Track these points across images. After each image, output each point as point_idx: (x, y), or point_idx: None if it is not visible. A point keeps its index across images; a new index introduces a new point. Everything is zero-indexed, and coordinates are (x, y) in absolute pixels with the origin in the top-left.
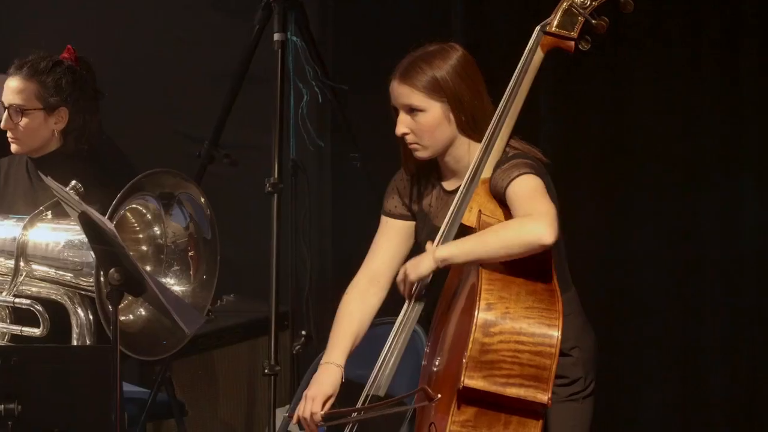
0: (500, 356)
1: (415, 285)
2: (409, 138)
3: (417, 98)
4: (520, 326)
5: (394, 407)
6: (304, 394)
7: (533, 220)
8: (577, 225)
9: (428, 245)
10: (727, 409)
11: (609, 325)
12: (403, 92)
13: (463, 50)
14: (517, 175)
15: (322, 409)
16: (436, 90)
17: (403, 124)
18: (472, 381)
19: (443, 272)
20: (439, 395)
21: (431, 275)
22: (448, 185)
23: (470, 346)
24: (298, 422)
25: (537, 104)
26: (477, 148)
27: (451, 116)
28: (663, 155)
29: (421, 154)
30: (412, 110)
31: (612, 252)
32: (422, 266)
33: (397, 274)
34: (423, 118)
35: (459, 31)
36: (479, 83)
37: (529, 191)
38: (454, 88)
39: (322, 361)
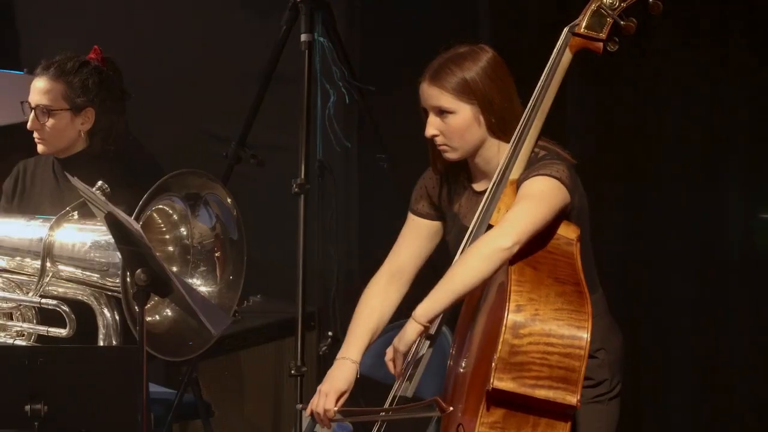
0: (529, 358)
1: (406, 357)
2: (439, 140)
3: (447, 100)
4: (549, 328)
5: (407, 413)
6: (318, 388)
7: (490, 233)
8: (605, 225)
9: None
10: (755, 413)
11: (634, 327)
12: (432, 94)
13: (493, 52)
14: (535, 175)
15: (335, 405)
16: (465, 92)
17: (433, 126)
18: (502, 383)
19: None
20: (451, 408)
21: (419, 337)
22: (478, 186)
23: (500, 347)
24: (312, 415)
25: (564, 104)
26: (506, 150)
27: (481, 118)
28: (691, 155)
29: (451, 155)
30: (441, 112)
31: (639, 252)
32: (406, 334)
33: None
34: (453, 120)
35: (487, 32)
36: (509, 85)
37: (528, 192)
38: (484, 90)
39: (338, 356)
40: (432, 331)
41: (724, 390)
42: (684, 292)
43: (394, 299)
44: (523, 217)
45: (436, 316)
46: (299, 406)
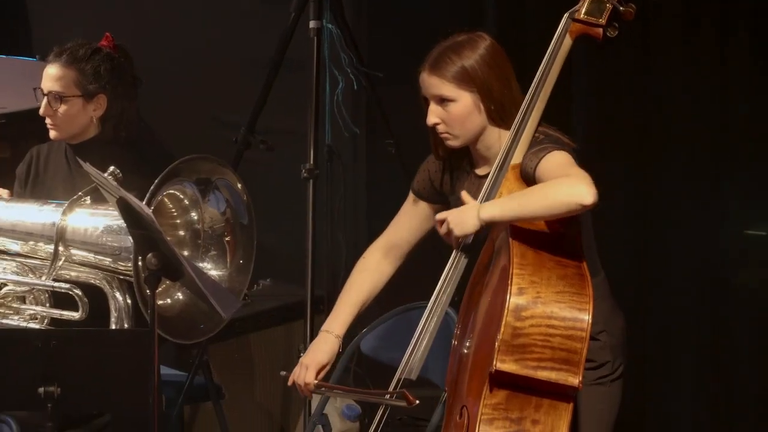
0: (531, 340)
1: (461, 238)
2: (440, 128)
3: (447, 89)
4: (551, 310)
5: (377, 398)
6: (300, 360)
7: (572, 180)
8: (608, 211)
9: (466, 197)
10: (758, 396)
11: (637, 310)
12: (432, 83)
13: (491, 39)
14: (545, 154)
15: (316, 378)
16: (465, 80)
17: (434, 114)
18: (504, 365)
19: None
20: (417, 401)
21: (473, 233)
22: (480, 171)
23: (502, 330)
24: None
25: (569, 91)
26: (507, 136)
27: (481, 105)
28: (694, 141)
29: (453, 143)
30: (442, 100)
31: (642, 237)
32: (467, 225)
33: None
34: (453, 108)
35: (492, 19)
36: (508, 72)
37: (558, 164)
38: (483, 78)
39: (322, 328)
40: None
41: (727, 373)
42: (688, 276)
43: (386, 272)
44: (591, 179)
45: (495, 222)
46: (283, 372)
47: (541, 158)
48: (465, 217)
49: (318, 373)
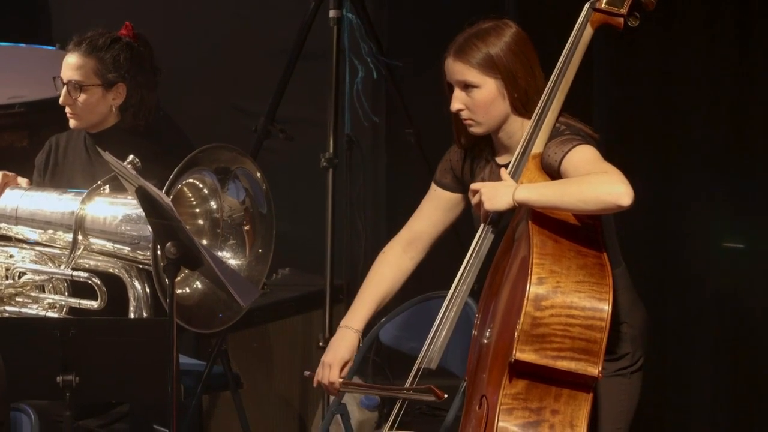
0: (551, 330)
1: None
2: (464, 114)
3: (471, 74)
4: (571, 300)
5: (405, 394)
6: (321, 359)
7: (611, 178)
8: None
9: (504, 174)
10: None
11: (658, 301)
12: (457, 69)
13: (516, 27)
14: (572, 147)
15: (339, 375)
16: (490, 66)
17: (458, 101)
18: (524, 354)
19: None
20: (446, 395)
21: (506, 210)
22: (501, 160)
23: (522, 319)
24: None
25: (590, 80)
26: (528, 125)
27: (505, 93)
28: (715, 130)
29: (476, 129)
30: (466, 86)
31: (663, 228)
32: (499, 201)
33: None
34: (478, 95)
35: (513, 7)
36: (533, 60)
37: (587, 159)
38: (508, 65)
39: (341, 324)
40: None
41: (747, 365)
42: (709, 266)
43: (407, 267)
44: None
45: (528, 204)
46: (307, 373)
47: (566, 152)
48: (499, 193)
49: (341, 370)
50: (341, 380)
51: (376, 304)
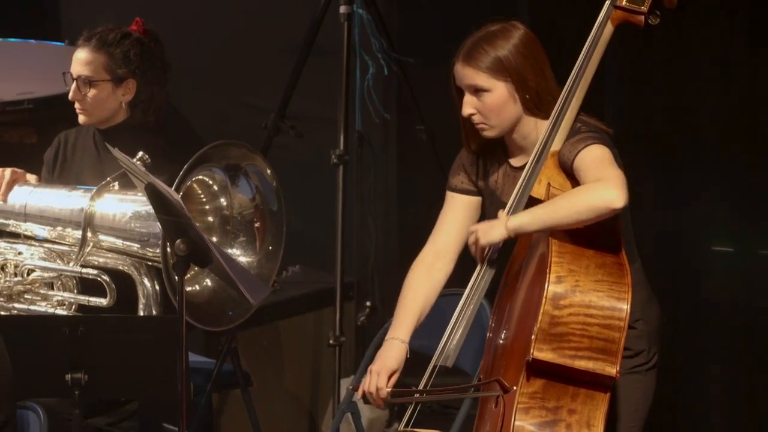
0: (569, 329)
1: (487, 249)
2: (476, 118)
3: (481, 79)
4: (589, 299)
5: (462, 393)
6: (369, 369)
7: (602, 184)
8: (643, 198)
9: (500, 213)
10: None
11: (672, 296)
12: (467, 73)
13: (525, 29)
14: (584, 147)
15: (387, 384)
16: (500, 70)
17: (470, 105)
18: (542, 353)
19: (512, 240)
20: (515, 387)
21: (501, 243)
22: (516, 162)
23: (540, 318)
24: (363, 396)
25: (601, 80)
26: (543, 125)
27: (516, 95)
28: (728, 128)
29: (489, 133)
30: (477, 91)
31: (673, 227)
32: (494, 234)
33: (465, 243)
34: (488, 98)
35: (526, 6)
36: (542, 61)
37: (595, 160)
38: (518, 68)
39: (387, 337)
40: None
41: (760, 366)
42: (721, 263)
43: (438, 279)
44: (623, 180)
45: (523, 232)
46: (350, 387)
47: (580, 150)
48: (493, 227)
49: (389, 379)
50: (389, 389)
51: (417, 315)
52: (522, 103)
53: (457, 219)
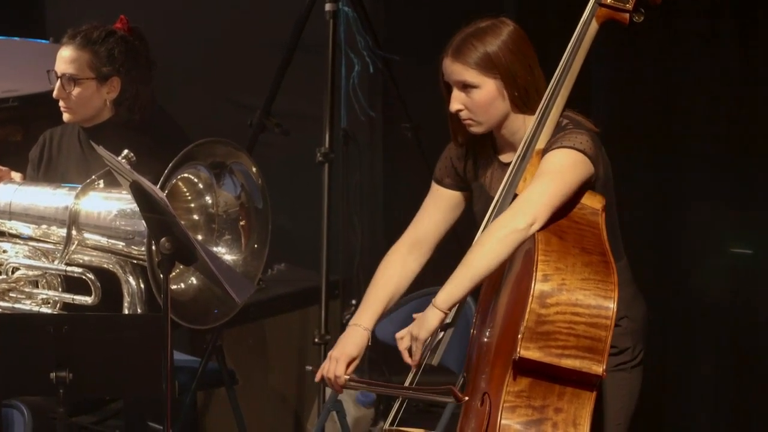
0: (556, 327)
1: (424, 346)
2: (464, 114)
3: (470, 75)
4: (576, 298)
5: (421, 394)
6: (329, 354)
7: (505, 216)
8: (630, 195)
9: (415, 315)
10: None
11: (658, 298)
12: (455, 69)
13: (514, 25)
14: (558, 147)
15: (346, 372)
16: (488, 66)
17: (457, 101)
18: (528, 352)
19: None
20: (467, 398)
21: (439, 327)
22: (505, 158)
23: (526, 317)
24: (322, 380)
25: (589, 75)
26: (531, 121)
27: (505, 92)
28: (716, 125)
29: (476, 129)
30: (465, 87)
31: (664, 222)
32: (428, 322)
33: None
34: (477, 95)
35: (512, 2)
36: (531, 58)
37: (549, 166)
38: (507, 64)
39: (350, 323)
40: (449, 319)
41: (749, 365)
42: (709, 262)
43: (412, 269)
44: (540, 195)
45: (457, 303)
46: (309, 367)
47: (553, 148)
48: (424, 319)
49: (348, 366)
50: (347, 376)
51: (384, 303)
52: (510, 100)
53: (438, 211)
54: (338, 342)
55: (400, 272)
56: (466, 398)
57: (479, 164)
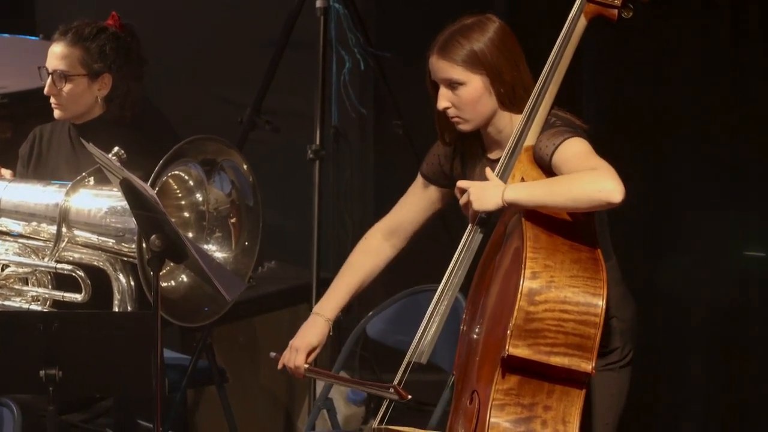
0: (545, 325)
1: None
2: (451, 112)
3: (456, 72)
4: (564, 295)
5: (366, 388)
6: (290, 342)
7: (602, 175)
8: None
9: (490, 173)
10: None
11: (649, 299)
12: (441, 67)
13: (500, 22)
14: (563, 140)
15: (305, 361)
16: (475, 63)
17: (444, 98)
18: (517, 350)
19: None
20: (409, 396)
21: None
22: (493, 155)
23: (515, 314)
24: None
25: (580, 72)
26: (518, 119)
27: (491, 89)
28: (706, 123)
29: (464, 127)
30: (452, 84)
31: (654, 221)
32: (488, 202)
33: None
34: (464, 92)
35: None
36: (517, 55)
37: (579, 153)
38: (493, 61)
39: (313, 311)
40: (440, 314)
41: (739, 365)
42: (700, 261)
43: (387, 255)
44: (615, 171)
45: (518, 203)
46: (273, 354)
47: (557, 145)
48: (487, 193)
49: (308, 355)
50: (307, 366)
51: (352, 292)
52: (497, 97)
53: (421, 202)
54: (299, 331)
55: (374, 258)
56: (409, 396)
57: (467, 163)
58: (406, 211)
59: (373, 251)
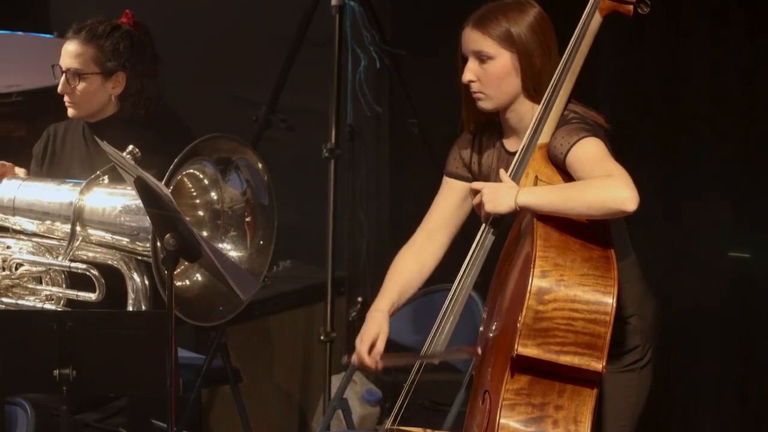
0: (554, 324)
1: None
2: (475, 86)
3: (488, 44)
4: (574, 294)
5: (445, 356)
6: (356, 344)
7: (616, 183)
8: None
9: (504, 175)
10: None
11: (665, 296)
12: (474, 38)
13: (540, 8)
14: (578, 140)
15: (371, 347)
16: (509, 41)
17: (471, 71)
18: (526, 349)
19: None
20: (479, 349)
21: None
22: (510, 145)
23: (524, 313)
24: (359, 367)
25: (596, 71)
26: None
27: (519, 69)
28: (724, 120)
29: (485, 104)
30: (481, 57)
31: (671, 217)
32: (501, 204)
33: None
34: (491, 66)
35: None
36: (551, 44)
37: (595, 155)
38: (527, 43)
39: (369, 311)
40: (455, 308)
41: (755, 365)
42: (716, 259)
43: (428, 261)
44: (629, 177)
45: (530, 207)
46: (345, 358)
47: (572, 144)
48: (500, 195)
49: (372, 343)
50: (377, 357)
51: (400, 291)
52: (522, 81)
53: (450, 204)
54: (360, 332)
55: (414, 265)
56: (480, 350)
57: (484, 152)
58: (438, 216)
59: (412, 257)
